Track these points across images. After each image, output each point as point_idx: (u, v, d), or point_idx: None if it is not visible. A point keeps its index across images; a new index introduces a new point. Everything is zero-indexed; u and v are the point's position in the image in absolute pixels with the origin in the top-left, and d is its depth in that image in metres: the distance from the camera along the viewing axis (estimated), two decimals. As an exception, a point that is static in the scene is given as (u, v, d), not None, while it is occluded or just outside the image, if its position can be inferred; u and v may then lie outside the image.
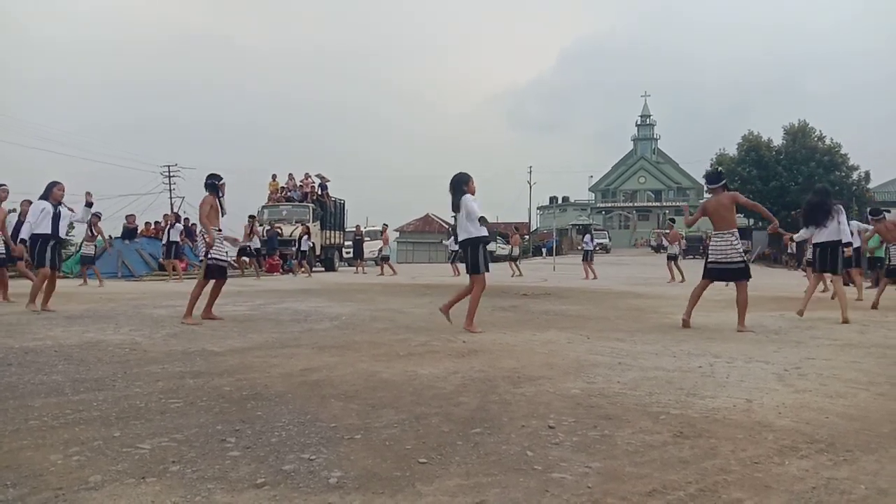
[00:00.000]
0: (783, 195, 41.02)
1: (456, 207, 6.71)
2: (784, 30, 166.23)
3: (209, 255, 7.23)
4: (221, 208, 7.47)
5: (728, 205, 6.98)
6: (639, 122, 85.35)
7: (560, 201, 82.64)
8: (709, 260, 7.13)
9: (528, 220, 64.93)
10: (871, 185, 42.05)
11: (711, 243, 7.10)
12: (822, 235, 8.01)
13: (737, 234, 7.06)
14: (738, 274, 6.95)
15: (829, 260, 7.98)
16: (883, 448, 2.81)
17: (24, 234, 8.42)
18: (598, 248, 20.34)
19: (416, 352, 5.26)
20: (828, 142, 41.95)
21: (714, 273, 7.06)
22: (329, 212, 26.53)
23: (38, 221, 8.26)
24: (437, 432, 2.98)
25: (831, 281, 8.15)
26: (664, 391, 3.87)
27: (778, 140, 43.30)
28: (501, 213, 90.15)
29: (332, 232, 26.64)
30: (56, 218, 8.37)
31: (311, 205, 25.24)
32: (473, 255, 6.62)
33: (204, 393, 3.74)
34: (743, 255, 7.04)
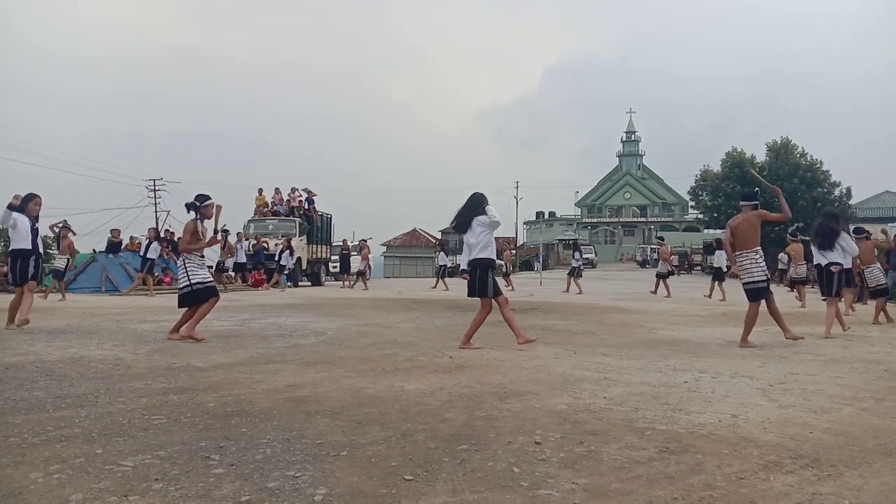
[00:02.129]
0: (766, 210, 41.39)
1: (462, 228, 6.58)
2: (767, 49, 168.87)
3: (193, 283, 6.92)
4: (200, 233, 7.13)
5: (756, 223, 7.10)
6: (624, 139, 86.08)
7: (546, 216, 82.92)
8: (743, 282, 7.11)
9: (514, 235, 65.10)
10: (852, 202, 42.59)
11: (739, 264, 7.11)
12: (824, 259, 8.28)
13: (760, 251, 7.13)
14: (764, 293, 6.96)
15: (825, 283, 8.28)
16: (867, 463, 2.83)
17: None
18: (584, 264, 20.53)
19: (402, 367, 5.24)
20: (810, 158, 42.50)
21: (751, 294, 7.04)
22: (316, 226, 26.46)
23: (19, 237, 7.96)
24: (423, 449, 2.97)
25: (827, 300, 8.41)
26: (650, 407, 3.88)
27: (761, 156, 43.83)
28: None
29: (319, 246, 26.58)
30: (34, 232, 8.09)
31: (297, 219, 25.18)
32: (482, 278, 6.44)
33: (188, 409, 3.70)
34: (766, 271, 7.10)
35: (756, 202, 7.40)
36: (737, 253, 7.14)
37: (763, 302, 6.99)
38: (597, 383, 4.61)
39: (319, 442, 3.06)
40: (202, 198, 7.18)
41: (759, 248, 7.12)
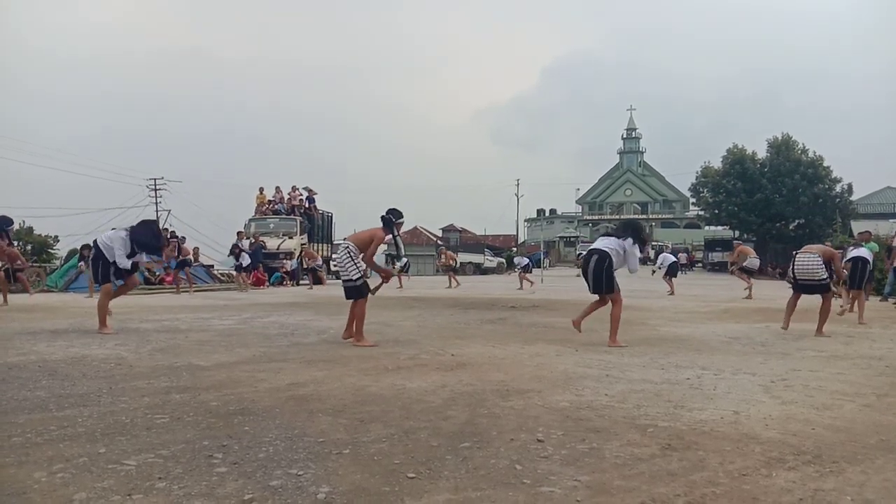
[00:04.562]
0: (768, 207, 41.42)
1: (612, 233, 7.00)
2: (768, 47, 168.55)
3: (362, 275, 6.72)
4: (397, 247, 7.12)
5: (827, 251, 8.01)
6: (624, 136, 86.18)
7: (547, 214, 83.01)
8: (797, 277, 7.78)
9: (515, 233, 65.15)
10: (854, 198, 42.55)
11: (798, 261, 7.77)
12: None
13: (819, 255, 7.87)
14: (822, 288, 7.67)
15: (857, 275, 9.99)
16: (869, 459, 2.83)
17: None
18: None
19: (404, 365, 5.25)
20: (811, 155, 42.46)
21: (801, 288, 7.83)
22: (316, 224, 26.53)
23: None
24: (425, 446, 2.97)
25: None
26: (652, 403, 3.88)
27: (762, 153, 43.80)
28: (489, 226, 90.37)
29: (320, 245, 26.63)
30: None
31: (298, 218, 25.24)
32: (609, 275, 6.58)
33: (190, 408, 3.71)
34: (825, 271, 7.68)
35: None
36: (800, 252, 7.90)
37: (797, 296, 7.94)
38: (599, 380, 4.61)
39: (322, 440, 3.06)
40: (398, 214, 7.04)
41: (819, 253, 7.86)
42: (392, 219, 6.95)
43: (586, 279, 6.81)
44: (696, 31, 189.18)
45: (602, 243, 6.81)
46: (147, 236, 7.96)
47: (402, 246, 7.27)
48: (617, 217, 79.86)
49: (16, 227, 13.93)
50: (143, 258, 8.03)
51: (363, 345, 6.46)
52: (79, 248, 20.48)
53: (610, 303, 6.70)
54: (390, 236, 6.98)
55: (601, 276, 6.59)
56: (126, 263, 7.63)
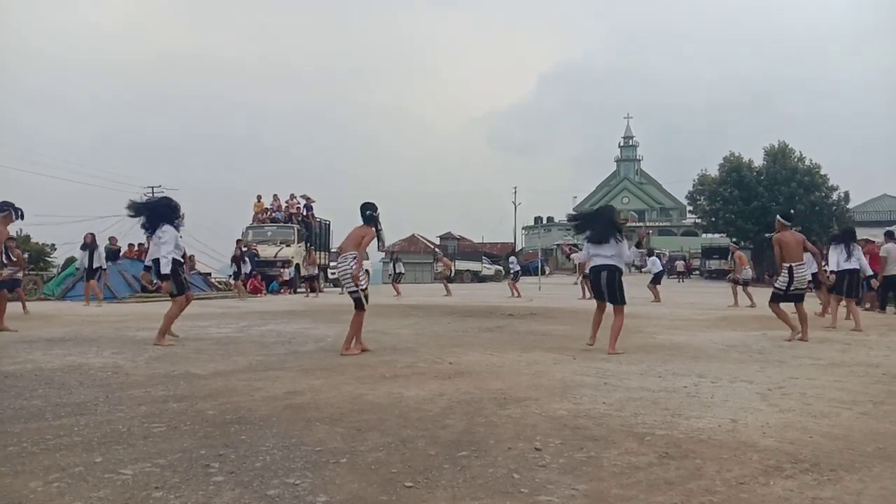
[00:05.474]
0: (765, 215, 41.38)
1: (599, 239, 6.84)
2: (765, 54, 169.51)
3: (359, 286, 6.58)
4: (380, 241, 7.03)
5: (802, 241, 8.15)
6: (622, 144, 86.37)
7: (545, 221, 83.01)
8: (792, 288, 8.01)
9: (513, 241, 65.19)
10: (850, 206, 42.62)
11: (796, 273, 7.95)
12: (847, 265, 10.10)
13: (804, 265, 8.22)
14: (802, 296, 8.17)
15: (847, 286, 10.04)
16: (866, 467, 2.83)
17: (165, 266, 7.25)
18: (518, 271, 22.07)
19: (401, 374, 5.24)
20: (807, 163, 42.54)
21: (794, 297, 8.10)
22: (314, 232, 26.51)
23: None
24: (423, 455, 2.96)
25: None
26: (650, 412, 3.88)
27: (759, 161, 43.86)
28: (486, 233, 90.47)
29: (318, 253, 26.61)
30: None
31: (295, 225, 25.24)
32: (620, 285, 6.76)
33: (187, 417, 3.70)
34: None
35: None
36: (795, 265, 7.96)
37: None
38: (596, 389, 4.61)
39: (319, 449, 3.06)
40: (375, 207, 6.84)
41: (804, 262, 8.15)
42: (375, 214, 6.84)
43: (598, 291, 6.94)
44: (696, 31, 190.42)
45: (605, 258, 6.80)
46: (164, 206, 7.71)
47: (385, 239, 7.19)
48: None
49: (13, 233, 13.85)
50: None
51: (350, 353, 6.45)
52: (78, 252, 20.12)
53: (613, 313, 6.78)
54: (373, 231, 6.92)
55: (615, 289, 6.77)
56: (176, 255, 7.38)
